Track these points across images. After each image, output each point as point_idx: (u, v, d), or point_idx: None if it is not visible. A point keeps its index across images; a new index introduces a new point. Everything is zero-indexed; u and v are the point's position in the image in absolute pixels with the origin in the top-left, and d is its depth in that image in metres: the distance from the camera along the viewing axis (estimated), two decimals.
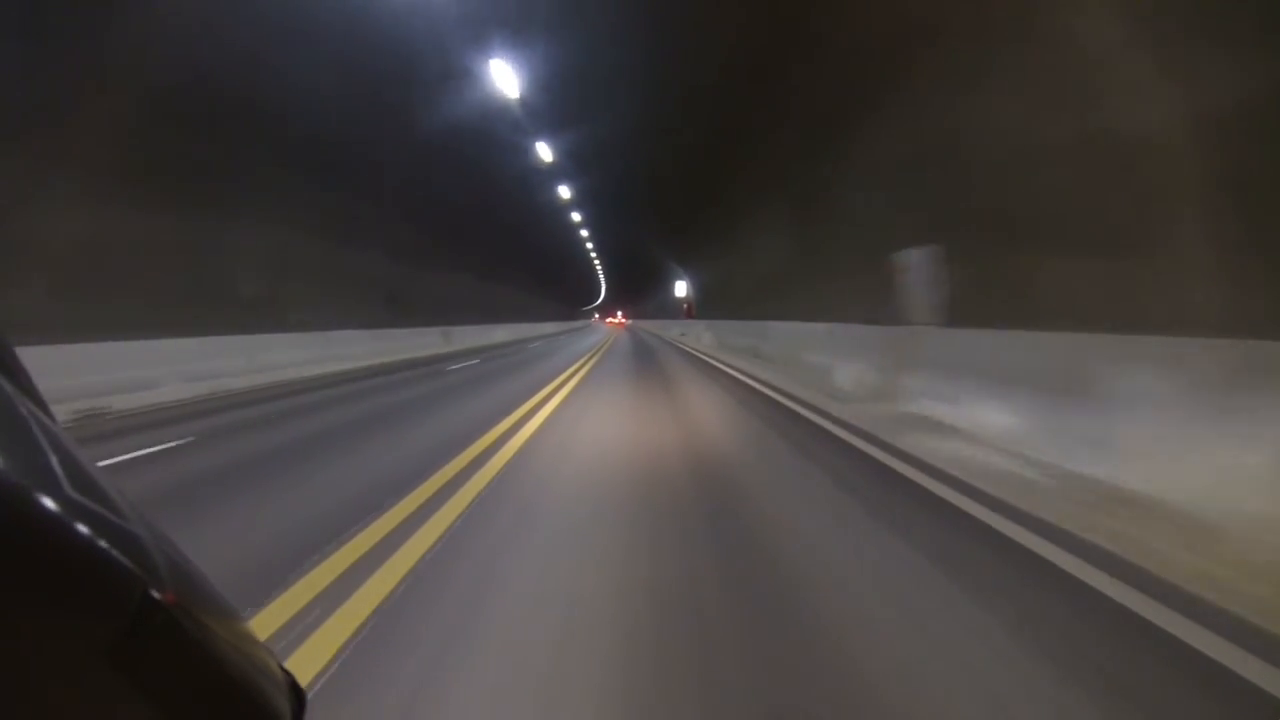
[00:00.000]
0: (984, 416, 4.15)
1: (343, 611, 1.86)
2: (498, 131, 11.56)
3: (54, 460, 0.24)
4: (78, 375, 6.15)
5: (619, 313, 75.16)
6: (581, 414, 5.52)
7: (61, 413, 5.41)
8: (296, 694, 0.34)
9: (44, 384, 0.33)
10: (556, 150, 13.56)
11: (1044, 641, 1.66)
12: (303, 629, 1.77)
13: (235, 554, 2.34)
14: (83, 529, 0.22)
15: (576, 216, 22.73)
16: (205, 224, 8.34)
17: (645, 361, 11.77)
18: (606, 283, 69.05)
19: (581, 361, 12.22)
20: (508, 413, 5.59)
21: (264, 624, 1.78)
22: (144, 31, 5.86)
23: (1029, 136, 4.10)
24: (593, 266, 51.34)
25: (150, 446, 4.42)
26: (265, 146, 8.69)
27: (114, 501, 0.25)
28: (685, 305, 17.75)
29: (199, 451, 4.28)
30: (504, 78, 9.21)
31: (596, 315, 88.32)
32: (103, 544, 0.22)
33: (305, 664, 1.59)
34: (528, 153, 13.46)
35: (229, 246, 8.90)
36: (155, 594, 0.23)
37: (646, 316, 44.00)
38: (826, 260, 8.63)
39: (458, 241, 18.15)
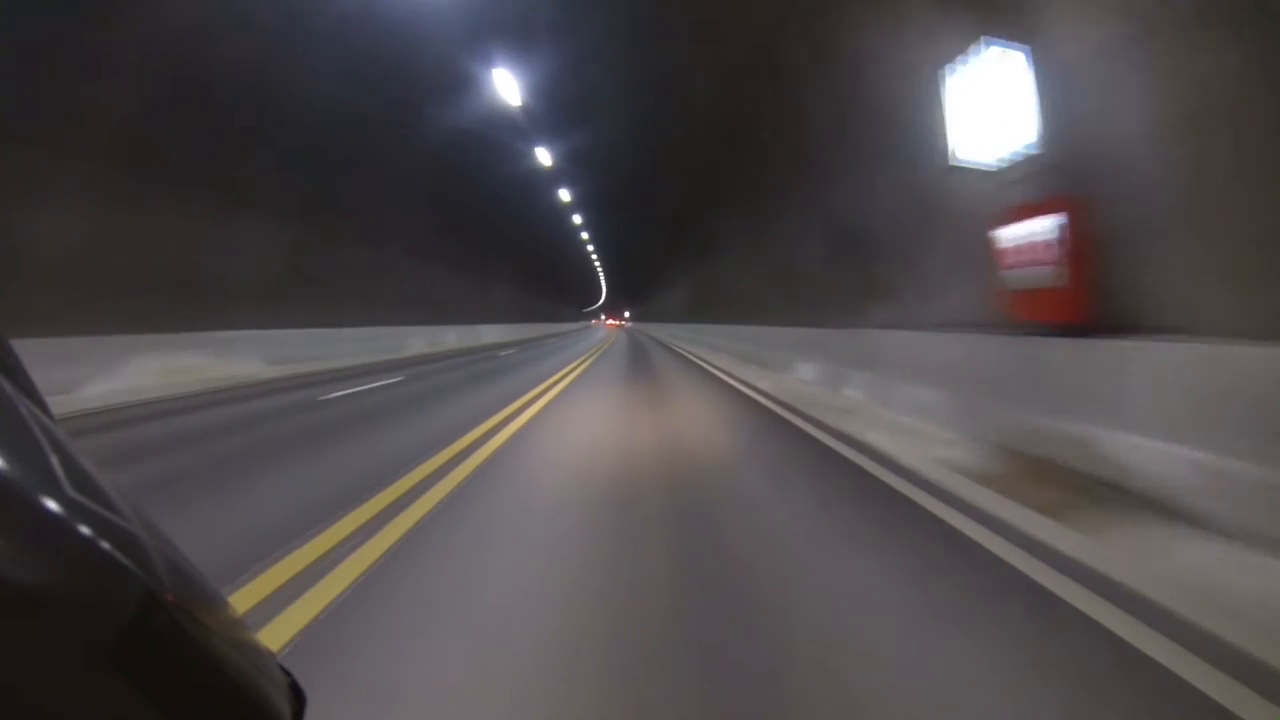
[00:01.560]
0: None
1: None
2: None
3: (54, 460, 0.24)
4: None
5: (626, 313, 79.34)
6: None
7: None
8: (296, 694, 0.34)
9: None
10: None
11: None
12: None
13: None
14: (83, 529, 0.22)
15: (566, 196, 20.18)
16: None
17: None
18: (607, 287, 70.91)
19: None
20: None
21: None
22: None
23: None
24: (593, 269, 48.41)
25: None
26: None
27: (114, 501, 0.25)
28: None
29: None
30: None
31: (603, 316, 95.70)
32: (103, 544, 0.22)
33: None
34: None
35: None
36: (155, 594, 0.23)
37: (666, 318, 31.28)
38: None
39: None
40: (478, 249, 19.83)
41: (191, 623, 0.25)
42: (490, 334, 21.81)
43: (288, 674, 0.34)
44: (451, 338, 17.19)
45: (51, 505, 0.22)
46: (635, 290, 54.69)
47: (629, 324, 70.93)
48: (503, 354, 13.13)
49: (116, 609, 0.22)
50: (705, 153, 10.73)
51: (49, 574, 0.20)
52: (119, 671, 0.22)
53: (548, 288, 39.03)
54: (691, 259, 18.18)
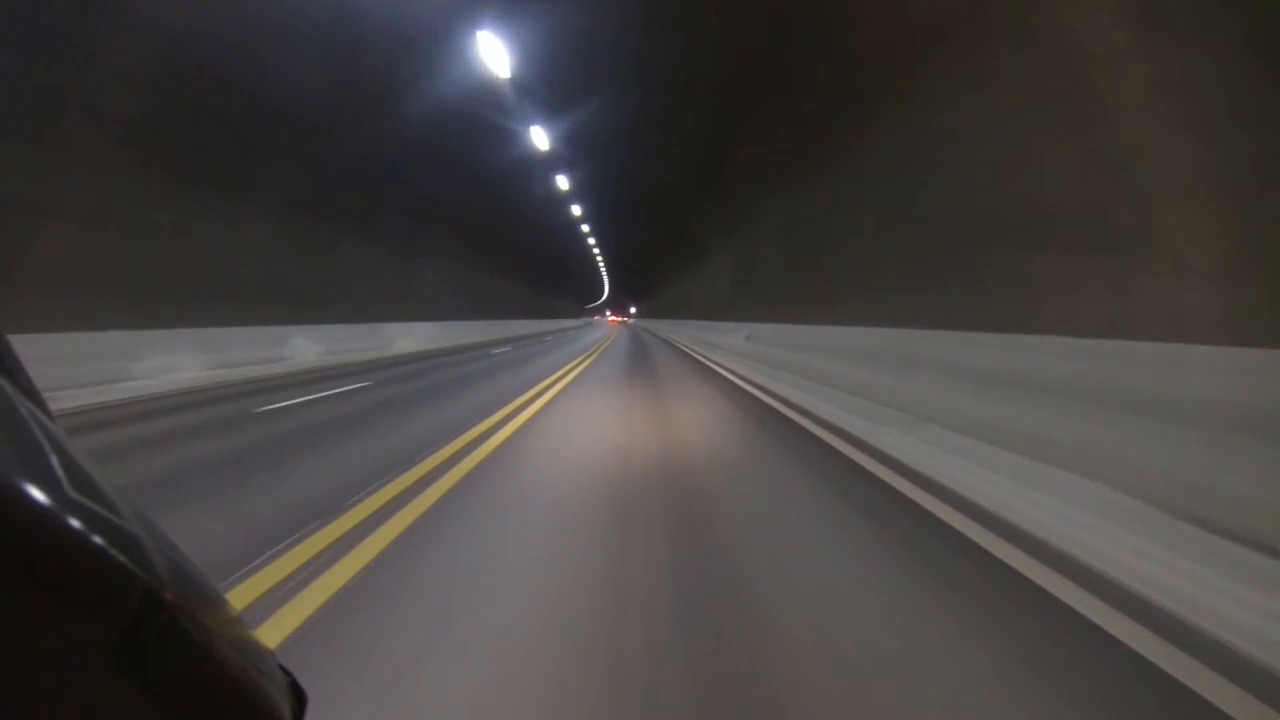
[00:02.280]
0: None
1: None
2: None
3: (54, 460, 0.24)
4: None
5: (632, 309, 79.58)
6: None
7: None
8: (296, 694, 0.34)
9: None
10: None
11: None
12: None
13: None
14: (83, 529, 0.22)
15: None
16: None
17: None
18: (610, 285, 70.73)
19: None
20: None
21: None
22: None
23: None
24: (596, 267, 47.26)
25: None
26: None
27: (113, 501, 0.25)
28: None
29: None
30: None
31: (607, 312, 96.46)
32: (103, 544, 0.22)
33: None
34: None
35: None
36: (155, 594, 0.23)
37: (686, 313, 24.59)
38: None
39: None
40: (407, 219, 13.04)
41: (191, 622, 0.24)
42: (412, 338, 14.49)
43: (288, 674, 0.34)
44: (308, 347, 9.93)
45: (51, 505, 0.21)
46: (640, 287, 52.24)
47: (632, 320, 71.91)
48: (263, 409, 5.35)
49: (116, 609, 0.22)
50: None
51: (49, 574, 0.20)
52: (119, 671, 0.21)
53: (535, 278, 32.61)
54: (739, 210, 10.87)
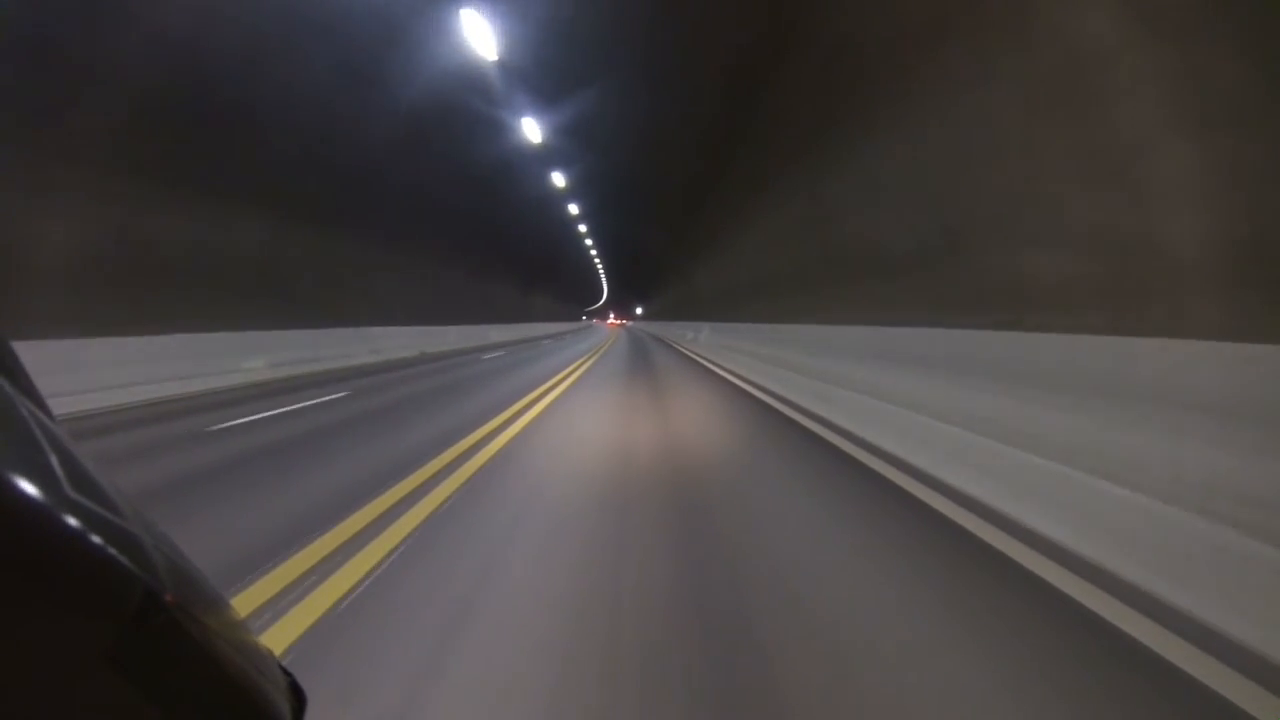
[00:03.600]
0: None
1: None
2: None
3: (54, 460, 0.24)
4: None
5: (638, 309, 78.37)
6: None
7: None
8: (296, 694, 0.35)
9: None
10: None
11: None
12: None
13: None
14: (83, 529, 0.22)
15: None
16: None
17: None
18: (610, 286, 67.85)
19: None
20: None
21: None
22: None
23: None
24: (592, 264, 45.24)
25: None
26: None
27: (113, 501, 0.25)
28: None
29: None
30: None
31: (611, 315, 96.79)
32: (103, 544, 0.23)
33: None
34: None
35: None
36: (155, 594, 0.23)
37: (688, 314, 23.87)
38: None
39: None
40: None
41: (191, 623, 0.24)
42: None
43: (288, 674, 0.34)
44: None
45: (51, 505, 0.21)
46: (647, 285, 50.32)
47: (631, 323, 70.66)
48: None
49: (116, 609, 0.22)
50: None
51: (48, 574, 0.20)
52: (119, 671, 0.22)
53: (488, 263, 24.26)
54: None
